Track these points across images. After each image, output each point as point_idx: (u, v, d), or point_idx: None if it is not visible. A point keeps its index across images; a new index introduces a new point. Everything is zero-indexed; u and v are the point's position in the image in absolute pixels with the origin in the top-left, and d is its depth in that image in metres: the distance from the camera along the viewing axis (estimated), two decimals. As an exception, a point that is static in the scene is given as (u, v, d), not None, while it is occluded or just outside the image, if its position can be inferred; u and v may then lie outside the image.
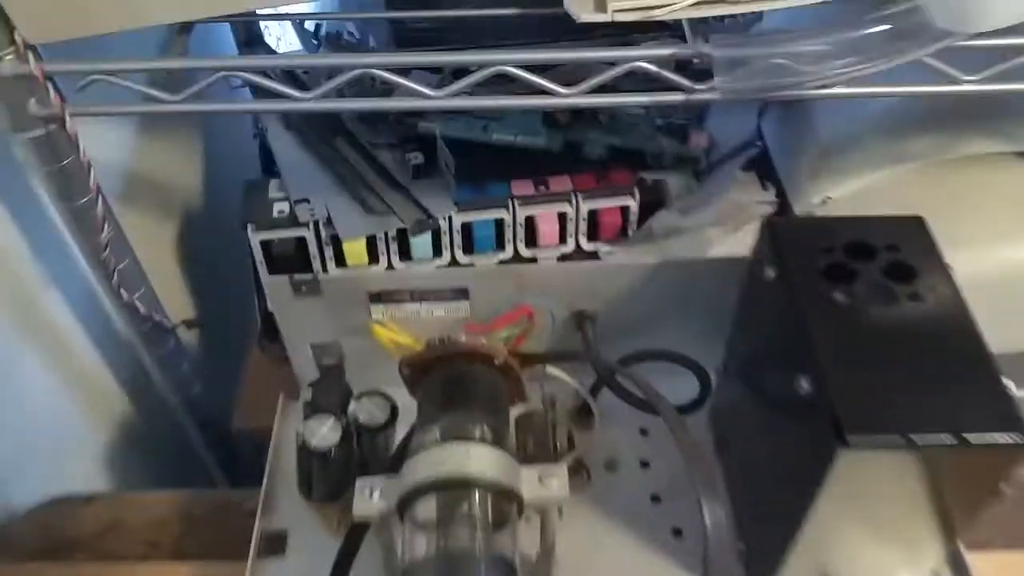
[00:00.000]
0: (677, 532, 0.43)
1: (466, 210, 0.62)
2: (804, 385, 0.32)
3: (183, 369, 0.61)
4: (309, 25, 0.79)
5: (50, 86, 0.43)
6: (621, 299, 0.44)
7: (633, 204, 0.65)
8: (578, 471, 0.45)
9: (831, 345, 0.33)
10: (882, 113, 0.67)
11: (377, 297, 0.43)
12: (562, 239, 0.59)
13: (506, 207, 0.62)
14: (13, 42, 0.41)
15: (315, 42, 0.79)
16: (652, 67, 0.41)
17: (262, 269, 0.49)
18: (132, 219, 0.67)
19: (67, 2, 0.41)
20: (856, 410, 0.30)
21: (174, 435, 0.66)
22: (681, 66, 0.42)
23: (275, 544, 0.44)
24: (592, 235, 0.60)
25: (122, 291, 0.53)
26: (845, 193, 0.65)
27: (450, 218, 0.62)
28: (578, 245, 0.54)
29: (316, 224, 0.57)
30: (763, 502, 0.39)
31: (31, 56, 0.41)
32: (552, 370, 0.42)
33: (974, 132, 0.62)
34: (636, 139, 0.70)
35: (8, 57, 0.41)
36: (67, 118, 0.44)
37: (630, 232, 0.65)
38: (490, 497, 0.33)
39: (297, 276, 0.43)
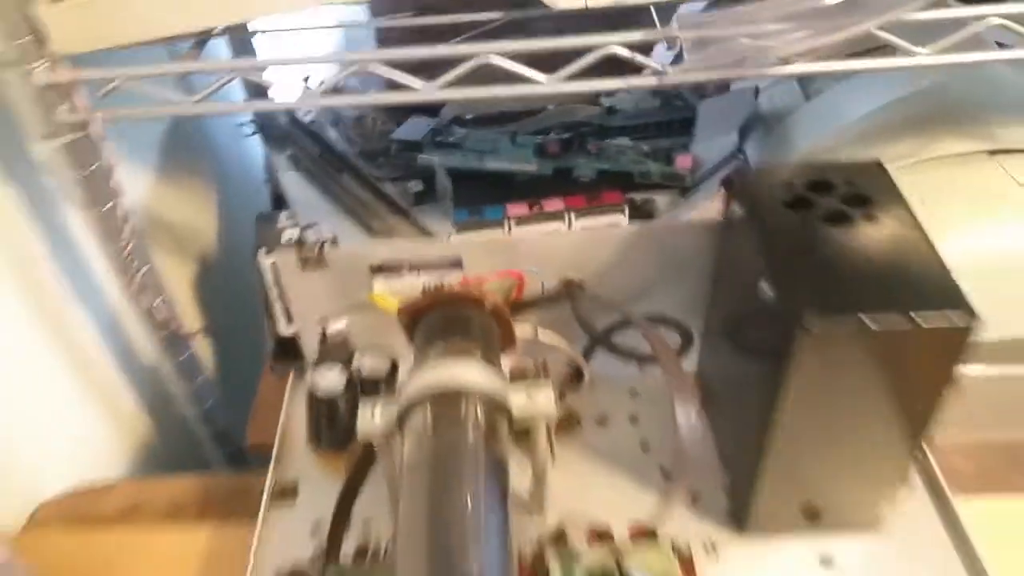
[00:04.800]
0: (665, 473, 0.45)
1: (464, 230, 0.67)
2: (766, 290, 0.35)
3: (199, 381, 0.64)
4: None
5: (77, 93, 0.47)
6: (608, 268, 0.47)
7: (624, 221, 0.69)
8: (569, 420, 0.48)
9: (790, 254, 0.35)
10: (858, 122, 0.71)
11: (378, 269, 0.46)
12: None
13: (502, 226, 0.66)
14: (44, 54, 0.45)
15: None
16: (626, 52, 0.45)
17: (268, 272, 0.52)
18: (152, 255, 0.72)
19: (95, 16, 0.46)
20: (812, 301, 0.33)
21: (190, 449, 0.68)
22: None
23: (287, 493, 0.46)
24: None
25: (143, 297, 0.56)
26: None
27: (449, 238, 0.67)
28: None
29: (322, 245, 0.62)
30: (741, 428, 0.41)
31: (64, 65, 0.46)
32: (544, 335, 0.45)
33: (946, 134, 0.66)
34: (624, 163, 0.75)
35: (41, 67, 0.46)
36: (94, 123, 0.48)
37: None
38: (481, 407, 0.35)
39: (304, 250, 0.47)
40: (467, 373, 0.35)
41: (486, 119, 0.87)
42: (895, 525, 0.42)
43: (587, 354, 0.49)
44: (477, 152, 0.76)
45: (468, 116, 0.87)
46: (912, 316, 0.32)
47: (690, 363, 0.49)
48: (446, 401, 0.35)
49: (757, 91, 0.80)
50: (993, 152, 0.65)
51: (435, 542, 0.30)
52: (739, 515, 0.42)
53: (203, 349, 0.70)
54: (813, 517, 0.41)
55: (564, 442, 0.47)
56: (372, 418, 0.36)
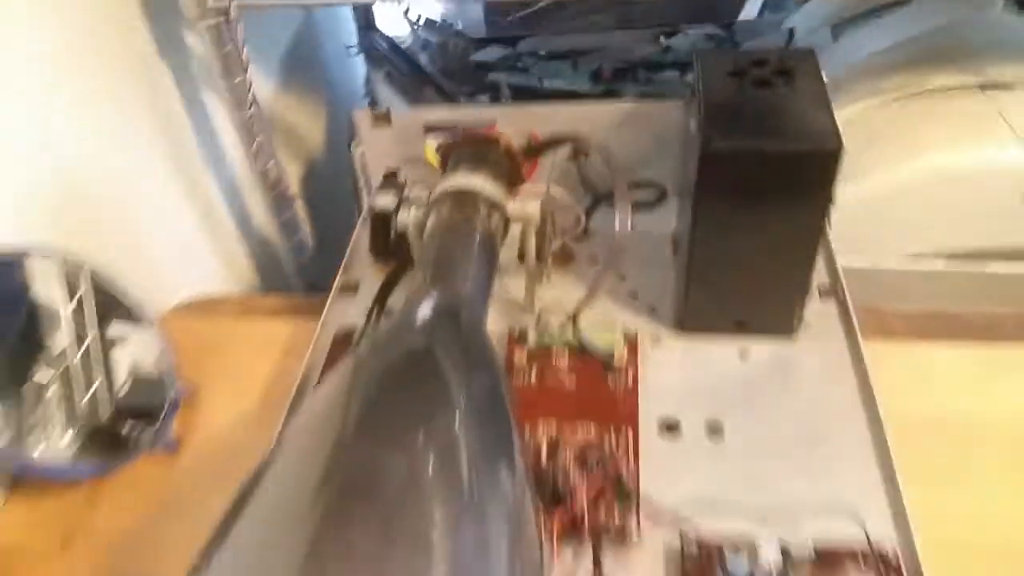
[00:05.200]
0: (634, 295, 0.57)
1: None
2: (692, 127, 0.47)
3: (297, 238, 0.80)
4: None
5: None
6: (611, 139, 0.59)
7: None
8: (566, 256, 0.61)
9: (718, 105, 0.47)
10: (871, 58, 0.81)
11: (430, 129, 0.61)
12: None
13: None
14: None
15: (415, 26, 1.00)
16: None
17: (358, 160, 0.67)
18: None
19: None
20: (720, 130, 0.45)
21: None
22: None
23: (350, 288, 0.61)
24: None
25: (259, 159, 0.73)
26: (833, 124, 0.79)
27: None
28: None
29: (388, 108, 0.72)
30: (683, 254, 0.53)
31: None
32: (554, 189, 0.58)
33: (944, 69, 0.76)
34: (665, 89, 0.87)
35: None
36: (233, 9, 0.64)
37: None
38: (484, 205, 0.49)
39: (375, 110, 0.61)
40: (477, 181, 0.50)
41: (557, 55, 1.00)
42: (806, 339, 0.53)
43: (590, 210, 0.62)
44: (539, 75, 0.89)
45: (542, 52, 1.01)
46: (789, 141, 0.44)
47: (668, 221, 0.61)
48: (460, 198, 0.49)
49: (792, 34, 0.90)
50: (984, 86, 0.74)
51: (440, 261, 0.44)
52: (682, 321, 0.54)
53: (303, 220, 0.87)
54: (740, 326, 0.53)
55: (560, 273, 0.60)
56: (409, 213, 0.51)
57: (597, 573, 0.40)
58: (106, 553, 0.52)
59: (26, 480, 0.55)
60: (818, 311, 0.55)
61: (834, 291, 0.56)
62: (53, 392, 0.53)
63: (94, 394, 0.55)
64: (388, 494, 0.30)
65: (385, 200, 0.57)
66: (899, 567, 0.39)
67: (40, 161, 0.56)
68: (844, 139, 0.77)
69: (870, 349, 0.53)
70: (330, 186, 0.93)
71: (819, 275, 0.57)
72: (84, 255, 0.56)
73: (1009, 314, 0.59)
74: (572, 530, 0.42)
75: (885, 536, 0.41)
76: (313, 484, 0.31)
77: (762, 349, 0.53)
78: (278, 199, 0.77)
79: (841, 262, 0.60)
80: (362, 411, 0.35)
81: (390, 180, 0.59)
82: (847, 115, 0.79)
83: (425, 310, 0.42)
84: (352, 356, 0.39)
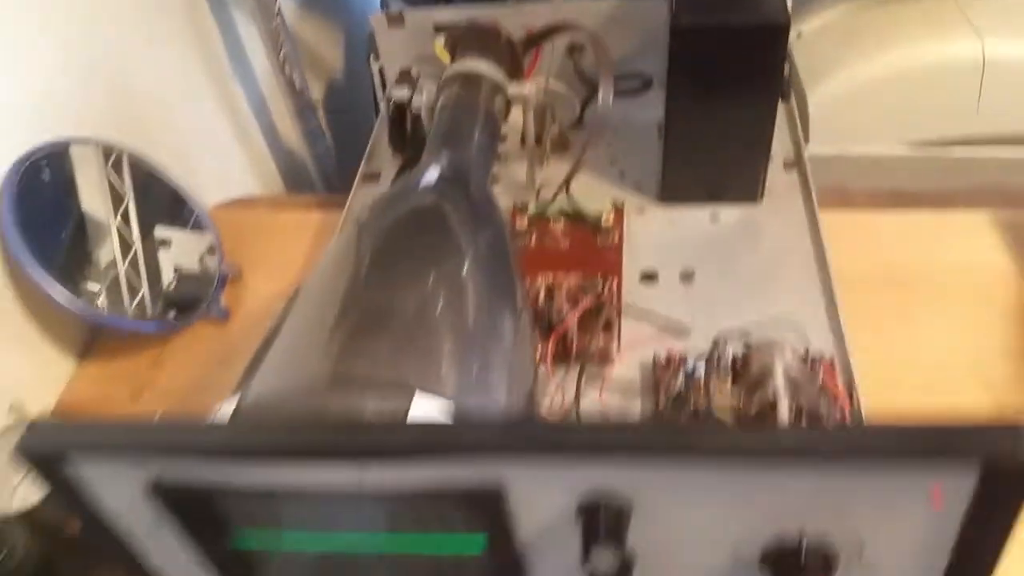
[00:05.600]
0: (623, 175, 0.65)
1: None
2: (667, 10, 0.54)
3: (321, 147, 0.88)
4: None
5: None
6: (604, 33, 0.65)
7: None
8: (563, 142, 0.68)
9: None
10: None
11: (439, 27, 0.68)
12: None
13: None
14: None
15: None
16: None
17: (376, 74, 0.74)
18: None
19: None
20: (686, 10, 0.52)
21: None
22: None
23: (372, 177, 0.69)
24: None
25: (284, 68, 0.80)
26: (813, 27, 0.85)
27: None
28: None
29: (401, 10, 0.75)
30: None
31: None
32: (553, 83, 0.65)
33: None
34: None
35: None
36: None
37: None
38: (487, 86, 0.56)
39: (390, 11, 0.69)
40: (481, 65, 0.57)
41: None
42: (770, 204, 0.61)
43: (585, 101, 0.69)
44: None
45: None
46: (745, 15, 0.51)
47: (657, 111, 0.68)
48: (466, 80, 0.57)
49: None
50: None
51: (448, 131, 0.52)
52: (662, 193, 0.62)
53: (325, 130, 0.94)
54: (713, 195, 0.61)
55: (557, 158, 0.67)
56: (423, 95, 0.59)
57: (581, 381, 0.48)
58: (170, 402, 0.60)
59: (97, 346, 0.64)
60: (783, 182, 0.62)
61: (797, 164, 0.64)
62: (103, 301, 0.58)
63: (142, 298, 0.61)
64: (399, 326, 0.34)
65: (401, 92, 0.64)
66: (832, 364, 0.47)
67: (82, 56, 0.63)
68: (825, 41, 0.84)
69: (832, 218, 0.60)
70: (349, 103, 1.00)
71: (785, 150, 0.65)
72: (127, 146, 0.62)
73: (962, 190, 0.66)
74: (564, 353, 0.51)
75: (824, 348, 0.49)
76: (331, 320, 0.35)
77: (731, 213, 0.61)
78: (303, 108, 0.84)
79: (814, 149, 0.67)
80: (375, 255, 0.39)
81: (405, 76, 0.66)
82: (829, 18, 0.85)
83: (433, 172, 0.49)
84: (361, 213, 0.44)
